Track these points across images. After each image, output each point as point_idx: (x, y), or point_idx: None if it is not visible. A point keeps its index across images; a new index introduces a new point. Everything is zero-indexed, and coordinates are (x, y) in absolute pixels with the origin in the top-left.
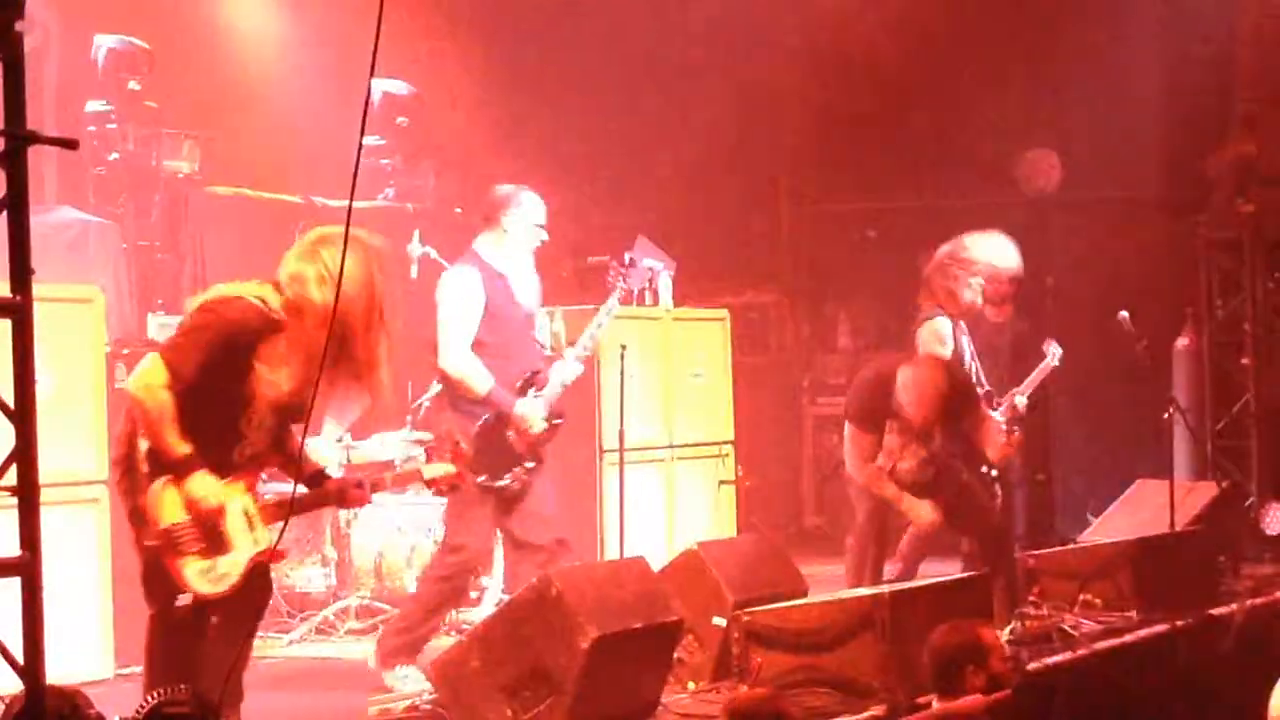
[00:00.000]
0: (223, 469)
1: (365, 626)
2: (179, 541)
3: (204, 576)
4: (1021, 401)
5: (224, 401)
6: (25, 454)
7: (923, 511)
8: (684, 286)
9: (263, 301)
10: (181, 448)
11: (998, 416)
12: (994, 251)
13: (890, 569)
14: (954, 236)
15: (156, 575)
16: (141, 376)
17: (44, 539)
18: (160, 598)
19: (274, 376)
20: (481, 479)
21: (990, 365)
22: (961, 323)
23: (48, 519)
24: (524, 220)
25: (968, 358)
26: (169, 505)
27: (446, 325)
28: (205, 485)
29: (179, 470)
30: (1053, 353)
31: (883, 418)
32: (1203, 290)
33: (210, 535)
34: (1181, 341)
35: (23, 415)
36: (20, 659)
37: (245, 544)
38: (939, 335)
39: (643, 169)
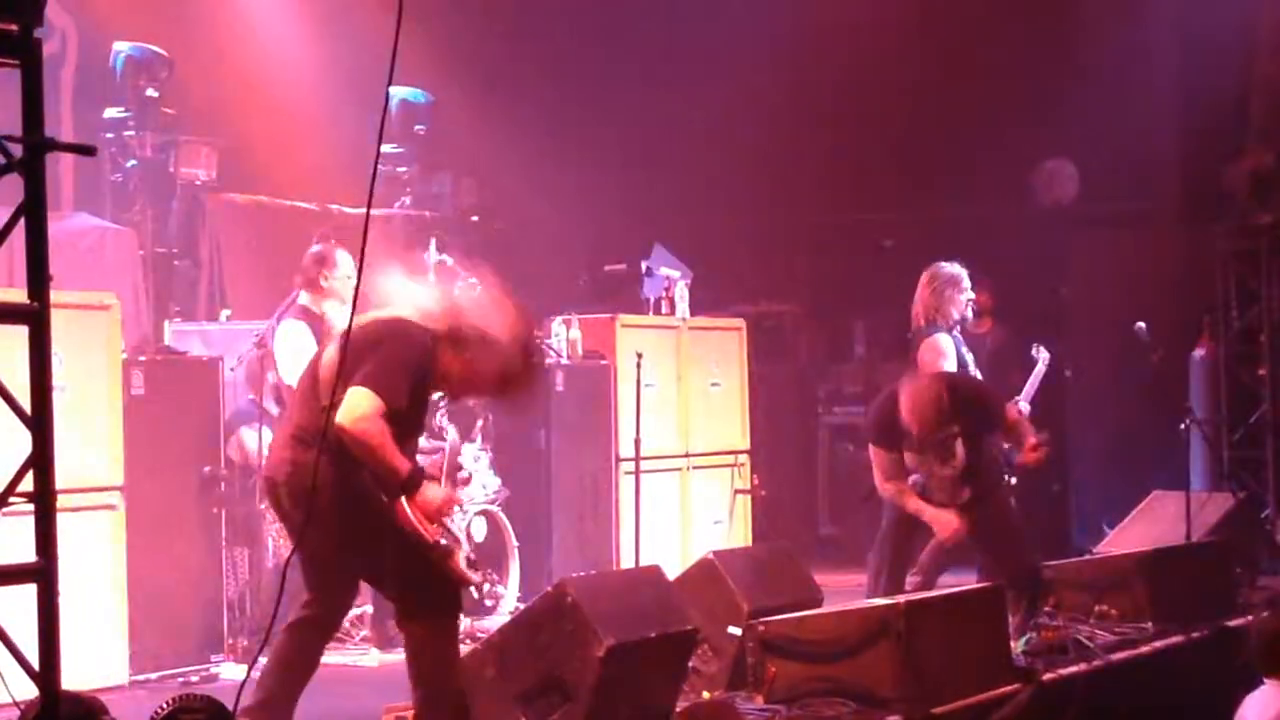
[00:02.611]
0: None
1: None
2: (446, 549)
3: (469, 568)
4: (1024, 409)
5: (417, 414)
6: (42, 460)
7: (947, 522)
8: (700, 295)
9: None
10: (404, 464)
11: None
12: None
13: (909, 580)
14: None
15: (440, 581)
16: (356, 408)
17: (60, 545)
18: (448, 600)
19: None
20: None
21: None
22: (958, 334)
23: (64, 525)
24: (339, 276)
25: (971, 368)
26: (420, 522)
27: (286, 375)
28: (433, 492)
29: (410, 487)
30: (1042, 357)
31: (897, 436)
32: (1219, 301)
33: (447, 532)
34: (1198, 352)
35: (39, 421)
36: (36, 665)
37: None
38: (941, 350)
39: (659, 178)
